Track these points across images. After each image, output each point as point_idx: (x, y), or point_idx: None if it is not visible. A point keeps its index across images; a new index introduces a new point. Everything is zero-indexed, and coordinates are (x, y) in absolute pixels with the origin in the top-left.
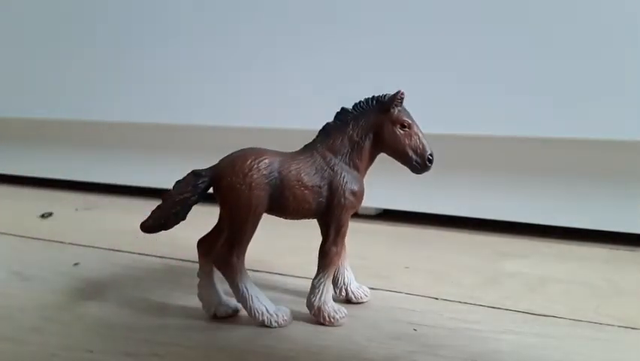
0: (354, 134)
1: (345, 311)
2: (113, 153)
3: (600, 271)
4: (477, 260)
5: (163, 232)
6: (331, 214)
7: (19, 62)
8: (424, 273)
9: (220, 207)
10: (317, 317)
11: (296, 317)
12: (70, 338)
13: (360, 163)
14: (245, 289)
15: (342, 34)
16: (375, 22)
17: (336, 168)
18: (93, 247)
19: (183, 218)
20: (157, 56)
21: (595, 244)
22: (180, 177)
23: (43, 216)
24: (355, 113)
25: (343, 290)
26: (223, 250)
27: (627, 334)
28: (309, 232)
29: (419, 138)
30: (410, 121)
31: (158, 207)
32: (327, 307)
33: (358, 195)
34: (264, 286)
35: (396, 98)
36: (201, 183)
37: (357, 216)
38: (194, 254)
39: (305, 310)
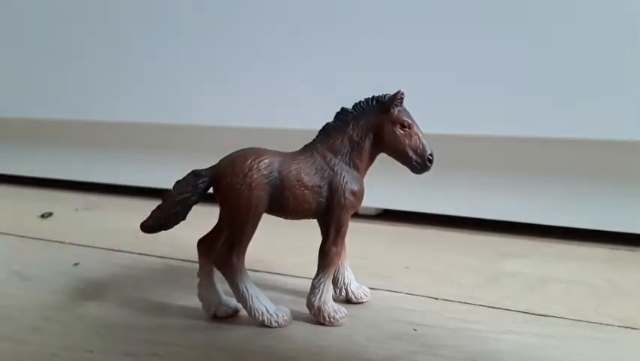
0: (354, 134)
1: (345, 311)
2: (113, 153)
3: (600, 271)
4: (477, 260)
5: (163, 232)
6: (331, 214)
7: (19, 62)
8: (424, 273)
9: (220, 207)
10: (317, 317)
11: (296, 317)
12: (70, 338)
13: (360, 163)
14: (245, 289)
15: (342, 34)
16: (375, 22)
17: (336, 168)
18: (93, 247)
19: (183, 218)
20: (157, 56)
21: (595, 244)
22: (180, 177)
23: (43, 216)
24: (355, 113)
25: (343, 290)
26: (223, 250)
27: (627, 334)
28: (309, 232)
29: (419, 138)
30: (410, 121)
31: (158, 207)
32: (327, 307)
33: (358, 195)
34: (264, 286)
35: (396, 98)
36: (201, 183)
37: (357, 216)
38: (194, 254)
39: (305, 310)
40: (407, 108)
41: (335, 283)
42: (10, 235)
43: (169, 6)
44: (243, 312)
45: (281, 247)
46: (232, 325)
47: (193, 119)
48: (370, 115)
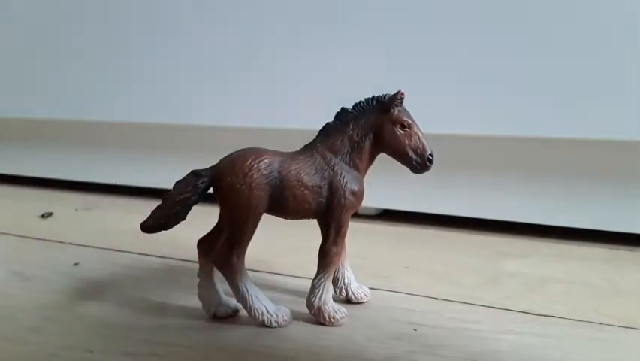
0: (354, 134)
1: (345, 311)
2: (113, 153)
3: (600, 271)
4: (477, 260)
5: (163, 232)
6: (331, 214)
7: (19, 62)
8: (424, 273)
9: (220, 207)
10: (317, 317)
11: (296, 317)
12: (70, 338)
13: (360, 163)
14: (245, 289)
15: (342, 34)
16: (375, 22)
17: (336, 168)
18: (93, 247)
19: (183, 218)
20: (157, 56)
21: (595, 244)
22: (180, 177)
23: (43, 216)
24: (355, 113)
25: (343, 290)
26: (223, 250)
27: (627, 334)
28: (309, 232)
29: (419, 138)
30: (410, 121)
31: (158, 207)
32: (327, 307)
33: (358, 195)
34: (264, 286)
35: (396, 98)
36: (201, 183)
37: (357, 216)
38: (194, 254)
39: (305, 310)
40: (407, 108)
41: (335, 283)
42: (10, 235)
43: (169, 6)
44: (243, 312)
45: (281, 247)
46: (232, 325)
47: (193, 119)
48: (370, 115)
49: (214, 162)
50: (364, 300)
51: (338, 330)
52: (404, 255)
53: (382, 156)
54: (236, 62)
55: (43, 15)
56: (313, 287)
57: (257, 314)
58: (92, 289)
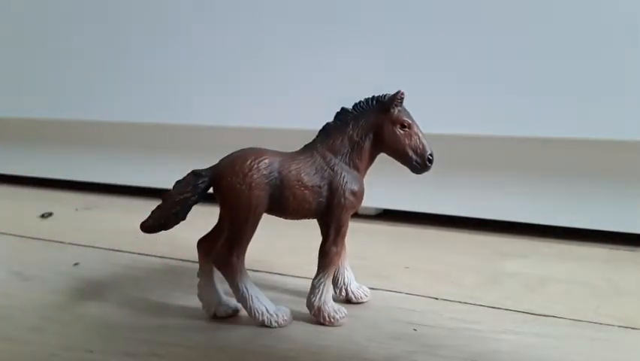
0: (354, 134)
1: (345, 311)
2: (113, 153)
3: (600, 271)
4: (477, 260)
5: (163, 232)
6: (331, 214)
7: (19, 62)
8: (424, 273)
9: (220, 207)
10: (317, 317)
11: (296, 317)
12: (70, 338)
13: (360, 163)
14: (245, 289)
15: (342, 34)
16: (375, 22)
17: (336, 168)
18: (93, 247)
19: (183, 218)
20: (157, 56)
21: (595, 244)
22: (180, 177)
23: (43, 216)
24: (355, 113)
25: (343, 290)
26: (223, 250)
27: (627, 334)
28: (309, 232)
29: (419, 138)
30: (410, 121)
31: (158, 207)
32: (327, 307)
33: (358, 195)
34: (264, 286)
35: (396, 98)
36: (201, 183)
37: (357, 216)
38: (194, 254)
39: (305, 310)
40: (407, 108)
41: (335, 283)
42: (10, 235)
43: (169, 6)
44: (243, 312)
45: (281, 247)
46: (232, 325)
47: (193, 119)
48: (370, 115)
49: (214, 162)
50: (364, 300)
51: (338, 330)
52: (404, 255)
53: (382, 156)
54: (236, 62)
55: (43, 15)
56: (313, 287)
57: (257, 314)
58: (92, 289)
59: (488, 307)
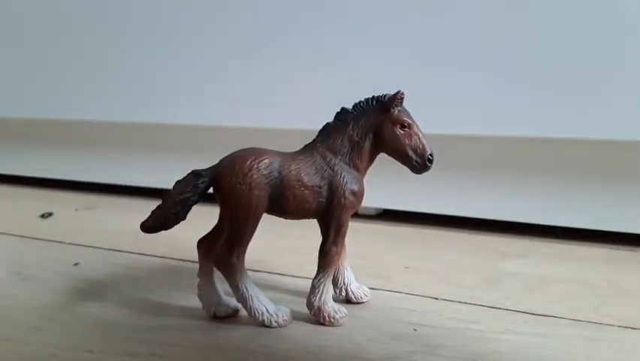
0: (354, 134)
1: (345, 311)
2: (113, 153)
3: (600, 271)
4: (477, 260)
5: (163, 232)
6: (331, 214)
7: (19, 62)
8: (424, 273)
9: (220, 207)
10: (317, 317)
11: (296, 317)
12: (70, 338)
13: (360, 163)
14: (245, 289)
15: (342, 34)
16: (375, 23)
17: (336, 168)
18: (93, 247)
19: (183, 218)
20: (157, 56)
21: (595, 244)
22: (180, 177)
23: (43, 216)
24: (355, 113)
25: (343, 290)
26: (223, 250)
27: (627, 334)
28: (309, 232)
29: (419, 138)
30: (410, 121)
31: (158, 207)
32: (327, 307)
33: (358, 195)
34: (264, 286)
35: (396, 98)
36: (201, 183)
37: (357, 216)
38: (194, 254)
39: (305, 310)
40: (407, 108)
41: (335, 283)
42: (10, 235)
43: (169, 6)
44: (243, 312)
45: (281, 247)
46: (232, 325)
47: (193, 119)
48: (370, 115)
49: (214, 162)
50: (364, 300)
51: (338, 330)
52: (404, 255)
53: (382, 156)
54: (236, 62)
55: (43, 15)
56: (313, 287)
57: (257, 314)
58: (92, 289)
59: (488, 307)
